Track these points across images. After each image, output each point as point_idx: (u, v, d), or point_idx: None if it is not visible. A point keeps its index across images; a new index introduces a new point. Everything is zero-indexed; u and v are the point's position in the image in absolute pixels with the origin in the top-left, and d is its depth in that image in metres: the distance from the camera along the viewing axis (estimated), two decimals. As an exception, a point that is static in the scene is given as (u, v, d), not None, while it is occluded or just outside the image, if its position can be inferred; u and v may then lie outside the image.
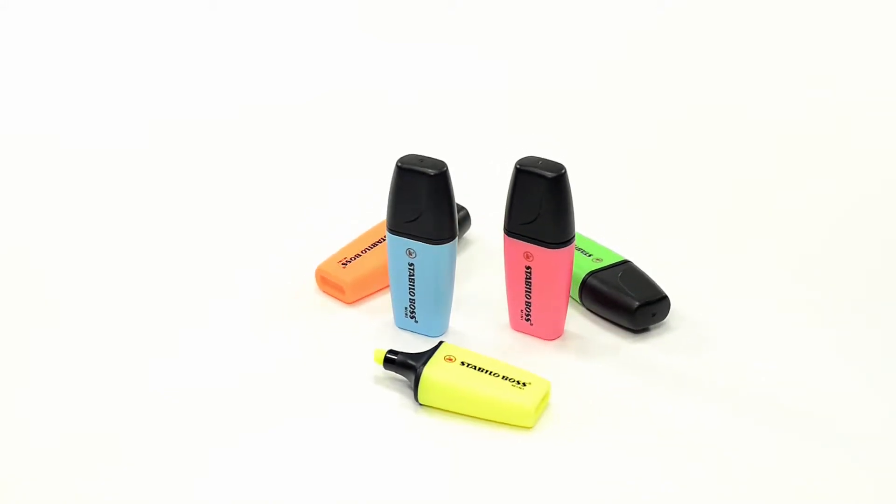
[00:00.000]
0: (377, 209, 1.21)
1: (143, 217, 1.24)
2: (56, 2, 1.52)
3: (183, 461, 0.95)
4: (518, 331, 1.09)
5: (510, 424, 0.99)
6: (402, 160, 1.03)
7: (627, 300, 1.07)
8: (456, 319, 1.10)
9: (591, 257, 1.11)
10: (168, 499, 0.92)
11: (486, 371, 1.00)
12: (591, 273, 1.10)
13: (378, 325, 1.10)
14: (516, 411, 0.99)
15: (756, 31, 1.55)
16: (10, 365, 1.05)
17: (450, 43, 1.54)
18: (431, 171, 1.02)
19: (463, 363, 1.01)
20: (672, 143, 1.41)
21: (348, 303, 1.12)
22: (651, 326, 1.08)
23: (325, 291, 1.14)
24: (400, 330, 1.10)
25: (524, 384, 1.00)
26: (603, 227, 1.23)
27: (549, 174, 1.02)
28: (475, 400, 0.99)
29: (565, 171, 1.02)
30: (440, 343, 1.03)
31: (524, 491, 0.94)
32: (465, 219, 1.21)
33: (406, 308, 1.09)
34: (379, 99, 1.47)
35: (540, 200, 1.02)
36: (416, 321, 1.09)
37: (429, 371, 1.00)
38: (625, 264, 1.11)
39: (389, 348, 1.03)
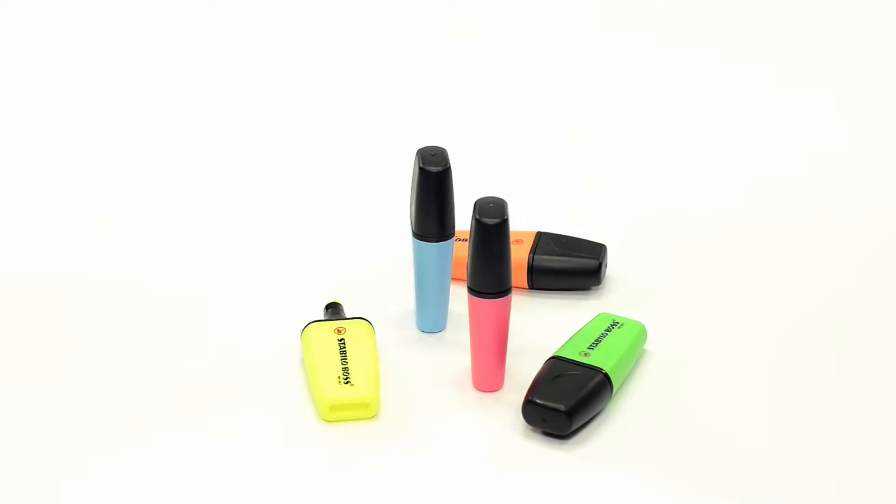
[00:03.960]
0: (377, 208, 1.21)
1: (140, 218, 1.25)
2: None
3: (182, 460, 0.96)
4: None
5: (318, 408, 1.00)
6: (424, 147, 1.04)
7: (532, 391, 0.98)
8: (457, 326, 1.10)
9: (588, 349, 1.01)
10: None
11: (342, 355, 1.01)
12: (556, 357, 1.00)
13: (398, 309, 1.12)
14: (319, 398, 0.99)
15: (760, 33, 1.54)
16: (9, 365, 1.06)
17: (451, 42, 1.53)
18: (424, 166, 1.03)
19: (341, 340, 1.03)
20: (674, 142, 1.36)
21: None
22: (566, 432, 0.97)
23: None
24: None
25: (349, 382, 0.99)
26: (599, 227, 1.23)
27: (480, 217, 0.97)
28: (309, 370, 1.01)
29: (499, 224, 0.96)
30: (361, 317, 1.05)
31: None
32: (596, 270, 1.13)
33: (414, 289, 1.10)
34: (379, 98, 1.45)
35: (471, 241, 0.98)
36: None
37: (311, 328, 1.04)
38: (591, 371, 0.99)
39: (334, 301, 1.07)
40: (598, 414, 0.99)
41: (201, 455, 0.96)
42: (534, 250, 1.13)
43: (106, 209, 1.25)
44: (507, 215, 0.97)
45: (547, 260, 1.13)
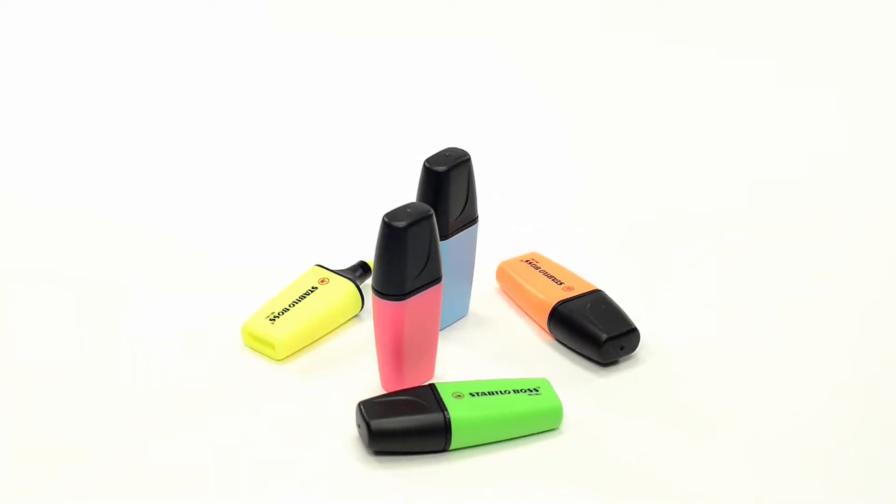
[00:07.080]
0: (376, 208, 1.20)
1: (140, 218, 1.25)
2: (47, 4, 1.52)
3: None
4: None
5: None
6: (450, 148, 1.04)
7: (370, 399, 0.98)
8: (463, 325, 1.10)
9: (470, 395, 0.97)
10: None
11: (298, 300, 1.07)
12: (432, 385, 0.98)
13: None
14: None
15: (760, 33, 1.54)
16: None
17: (451, 42, 1.53)
18: (428, 164, 1.03)
19: (314, 288, 1.08)
20: (674, 142, 1.37)
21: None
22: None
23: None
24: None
25: (273, 321, 1.05)
26: (599, 227, 1.23)
27: (387, 218, 0.95)
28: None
29: (403, 227, 0.94)
30: (355, 283, 1.08)
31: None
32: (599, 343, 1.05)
33: None
34: (380, 99, 1.44)
35: (377, 239, 0.97)
36: None
37: (312, 269, 1.10)
38: (437, 410, 0.96)
39: (367, 263, 1.12)
40: (434, 452, 0.96)
41: (201, 455, 0.96)
42: (568, 301, 1.07)
43: (106, 209, 1.25)
44: (416, 222, 0.95)
45: (569, 313, 1.06)
